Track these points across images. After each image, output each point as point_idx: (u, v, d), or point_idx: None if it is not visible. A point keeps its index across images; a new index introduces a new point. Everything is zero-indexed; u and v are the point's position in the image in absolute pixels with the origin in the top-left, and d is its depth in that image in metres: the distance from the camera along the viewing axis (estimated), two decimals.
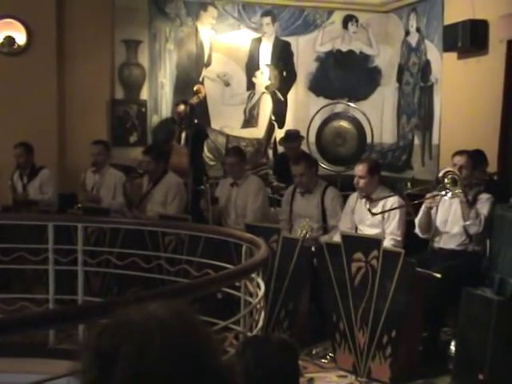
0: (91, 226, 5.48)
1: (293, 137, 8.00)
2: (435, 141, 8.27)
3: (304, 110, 8.98)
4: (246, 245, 4.03)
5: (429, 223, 5.12)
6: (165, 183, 6.30)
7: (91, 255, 5.13)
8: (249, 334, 3.58)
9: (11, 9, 7.83)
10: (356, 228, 5.41)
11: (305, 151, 7.65)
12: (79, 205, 6.23)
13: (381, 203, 5.29)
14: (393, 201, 5.26)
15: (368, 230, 5.30)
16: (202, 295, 2.90)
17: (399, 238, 5.21)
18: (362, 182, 5.31)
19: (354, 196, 5.51)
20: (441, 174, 4.84)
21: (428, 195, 5.03)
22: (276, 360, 2.22)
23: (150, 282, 5.10)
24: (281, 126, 8.99)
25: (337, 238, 5.05)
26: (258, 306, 3.61)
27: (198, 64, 8.70)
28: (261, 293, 3.59)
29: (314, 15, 9.00)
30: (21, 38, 7.90)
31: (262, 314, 3.58)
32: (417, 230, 5.22)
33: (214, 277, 2.95)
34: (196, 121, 7.40)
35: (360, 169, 5.35)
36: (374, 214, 5.14)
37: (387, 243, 4.96)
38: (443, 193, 4.79)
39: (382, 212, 5.22)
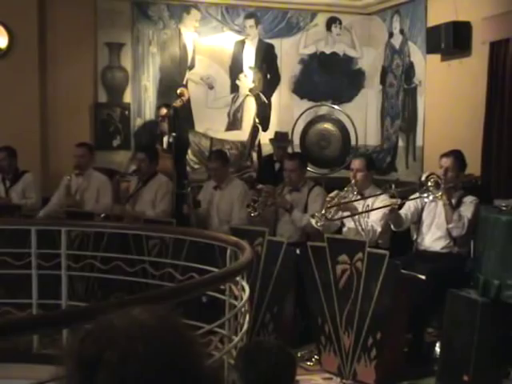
0: (75, 230, 5.43)
1: (282, 137, 8.06)
2: (419, 143, 8.30)
3: (288, 112, 8.98)
4: (230, 248, 4.01)
5: (397, 219, 5.16)
6: (154, 183, 6.32)
7: (75, 259, 5.09)
8: (233, 338, 3.57)
9: None
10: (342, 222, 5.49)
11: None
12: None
13: (370, 200, 5.36)
14: (382, 198, 5.33)
15: (352, 223, 5.36)
16: (186, 299, 2.88)
17: (378, 229, 5.25)
18: (359, 175, 5.40)
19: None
20: (423, 177, 4.87)
21: (412, 196, 5.06)
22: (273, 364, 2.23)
23: (135, 285, 5.07)
24: (265, 129, 8.98)
25: (305, 222, 5.51)
26: (243, 309, 3.60)
27: (182, 67, 8.67)
28: (245, 296, 3.58)
29: (298, 17, 9.01)
30: (2, 41, 7.84)
31: (247, 317, 3.57)
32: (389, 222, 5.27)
33: (199, 280, 2.93)
34: (174, 134, 7.35)
35: (357, 163, 5.49)
36: (362, 198, 5.22)
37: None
38: (425, 195, 4.81)
39: (369, 197, 5.31)
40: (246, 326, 3.49)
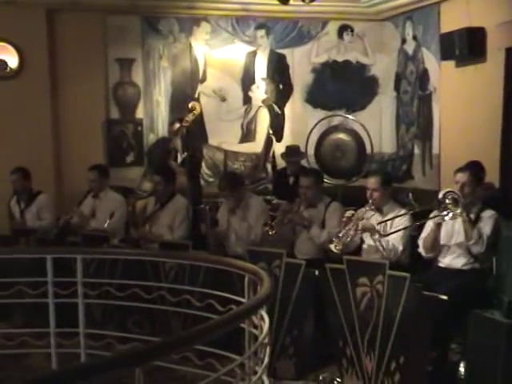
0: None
1: (294, 151, 7.98)
2: (435, 150, 8.20)
3: (302, 122, 8.92)
4: (248, 275, 3.94)
5: (435, 241, 5.03)
6: (173, 206, 6.23)
7: (91, 285, 5.04)
8: (257, 369, 3.51)
9: (2, 32, 7.77)
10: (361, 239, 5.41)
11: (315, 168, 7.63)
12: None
13: (390, 216, 5.27)
14: (404, 219, 5.23)
15: (371, 241, 5.28)
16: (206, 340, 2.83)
17: (400, 247, 5.17)
18: (375, 195, 5.31)
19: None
20: (441, 196, 4.77)
21: (432, 215, 4.96)
22: None
23: (152, 309, 5.02)
24: (279, 140, 8.92)
25: (323, 238, 5.49)
26: (265, 341, 3.52)
27: (193, 80, 8.64)
28: (265, 327, 3.51)
29: (309, 26, 8.94)
30: (13, 61, 7.85)
31: (268, 349, 3.50)
32: (421, 249, 5.14)
33: (218, 321, 2.87)
34: (185, 154, 7.30)
35: (373, 181, 5.37)
36: (379, 223, 5.12)
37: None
38: (444, 213, 4.72)
39: (387, 220, 5.21)
40: (266, 360, 3.41)
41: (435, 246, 5.03)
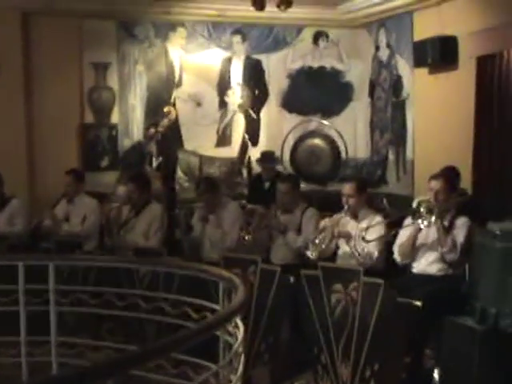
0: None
1: (268, 157, 8.00)
2: (409, 156, 8.27)
3: (277, 127, 8.94)
4: (223, 282, 3.93)
5: (413, 247, 5.06)
6: (148, 213, 6.17)
7: (64, 293, 4.99)
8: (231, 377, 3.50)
9: None
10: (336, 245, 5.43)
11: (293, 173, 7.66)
12: None
13: (365, 222, 5.29)
14: (378, 219, 5.27)
15: (347, 247, 5.30)
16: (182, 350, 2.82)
17: (376, 253, 5.20)
18: (351, 201, 5.33)
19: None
20: (415, 204, 4.81)
21: (406, 222, 5.00)
22: None
23: (126, 316, 4.98)
24: (255, 145, 8.93)
25: (299, 244, 5.52)
26: (239, 350, 3.52)
27: (169, 85, 8.61)
28: (240, 336, 3.50)
29: (284, 33, 8.97)
30: None
31: (242, 358, 3.49)
32: (396, 256, 5.17)
33: (193, 330, 2.86)
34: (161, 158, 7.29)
35: (348, 188, 5.39)
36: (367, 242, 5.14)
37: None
38: (419, 221, 4.75)
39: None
40: (241, 368, 3.41)
41: (412, 252, 5.07)
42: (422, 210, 4.70)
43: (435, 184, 5.04)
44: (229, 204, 6.16)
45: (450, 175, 5.51)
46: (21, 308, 4.66)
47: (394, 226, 5.24)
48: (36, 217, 7.10)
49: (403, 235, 5.09)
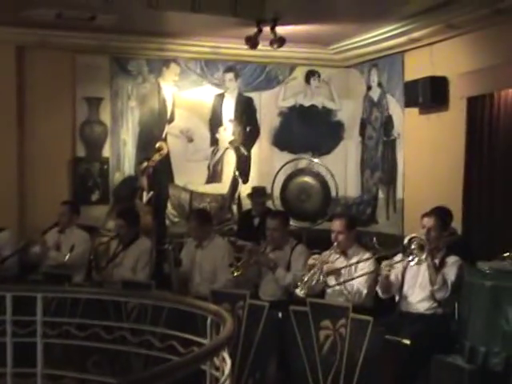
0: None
1: (259, 192, 8.03)
2: (399, 195, 8.31)
3: (268, 164, 8.97)
4: (211, 316, 3.91)
5: (388, 286, 5.11)
6: (137, 248, 6.17)
7: (51, 324, 4.94)
8: None
9: None
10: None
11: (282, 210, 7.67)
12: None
13: (354, 259, 5.30)
14: (367, 255, 5.28)
15: (335, 284, 5.30)
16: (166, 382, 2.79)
17: (364, 291, 5.21)
18: (340, 237, 5.35)
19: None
20: (406, 241, 4.83)
21: (385, 263, 5.02)
22: None
23: (113, 350, 4.93)
24: (245, 181, 8.96)
25: (288, 280, 5.54)
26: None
27: (161, 120, 8.66)
28: (227, 370, 3.47)
29: (276, 71, 9.06)
30: None
31: None
32: (378, 289, 5.19)
33: (179, 362, 2.84)
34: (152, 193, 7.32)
35: (338, 224, 5.42)
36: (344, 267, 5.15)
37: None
38: (409, 258, 4.76)
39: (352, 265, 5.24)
40: None
41: (389, 289, 5.09)
42: (413, 246, 4.72)
43: (428, 221, 5.08)
44: (218, 239, 6.19)
45: (442, 214, 5.54)
46: (8, 339, 4.62)
47: (384, 260, 5.25)
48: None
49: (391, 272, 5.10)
